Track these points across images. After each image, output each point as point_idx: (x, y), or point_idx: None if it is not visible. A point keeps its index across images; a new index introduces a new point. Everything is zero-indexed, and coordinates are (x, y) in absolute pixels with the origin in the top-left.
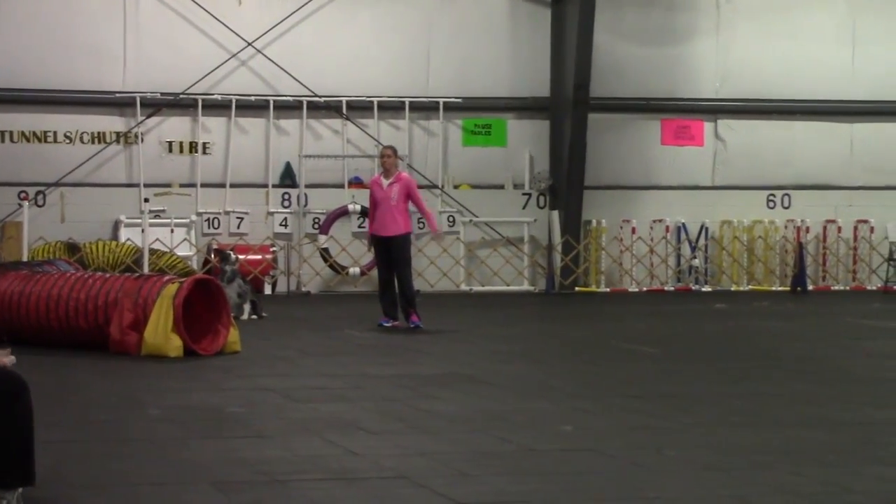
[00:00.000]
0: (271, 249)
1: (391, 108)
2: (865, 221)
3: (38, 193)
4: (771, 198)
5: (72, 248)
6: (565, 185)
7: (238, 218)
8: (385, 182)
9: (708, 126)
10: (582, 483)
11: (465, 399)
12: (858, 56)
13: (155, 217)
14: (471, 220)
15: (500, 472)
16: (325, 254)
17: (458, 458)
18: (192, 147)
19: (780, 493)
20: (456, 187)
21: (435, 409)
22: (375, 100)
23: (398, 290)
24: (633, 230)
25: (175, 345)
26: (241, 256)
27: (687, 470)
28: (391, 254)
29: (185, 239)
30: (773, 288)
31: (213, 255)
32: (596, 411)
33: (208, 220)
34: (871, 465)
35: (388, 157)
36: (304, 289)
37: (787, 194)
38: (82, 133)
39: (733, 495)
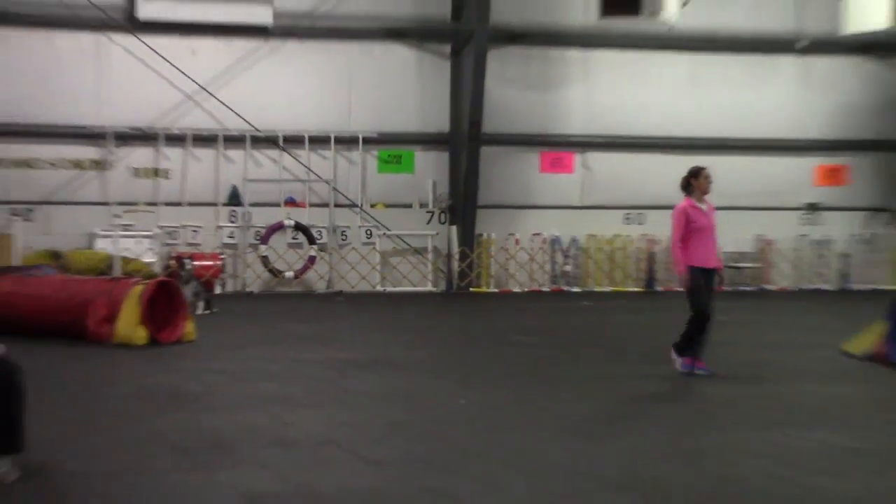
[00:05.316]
0: (220, 257)
1: (319, 141)
2: None
3: (26, 210)
4: (628, 216)
5: (55, 255)
6: (462, 204)
7: (193, 231)
8: (704, 208)
9: (577, 157)
10: (466, 442)
11: (381, 379)
12: (700, 100)
13: (124, 230)
14: (384, 234)
15: (408, 437)
16: (264, 261)
17: (375, 427)
18: (155, 172)
19: (625, 452)
20: (373, 206)
21: (356, 387)
22: (306, 134)
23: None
24: (517, 241)
25: (141, 335)
26: (195, 262)
27: (542, 432)
28: (713, 288)
29: (149, 248)
30: (629, 289)
31: (172, 262)
32: (486, 388)
33: (168, 232)
34: (710, 430)
35: (709, 179)
36: (247, 289)
37: (641, 213)
38: (63, 160)
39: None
